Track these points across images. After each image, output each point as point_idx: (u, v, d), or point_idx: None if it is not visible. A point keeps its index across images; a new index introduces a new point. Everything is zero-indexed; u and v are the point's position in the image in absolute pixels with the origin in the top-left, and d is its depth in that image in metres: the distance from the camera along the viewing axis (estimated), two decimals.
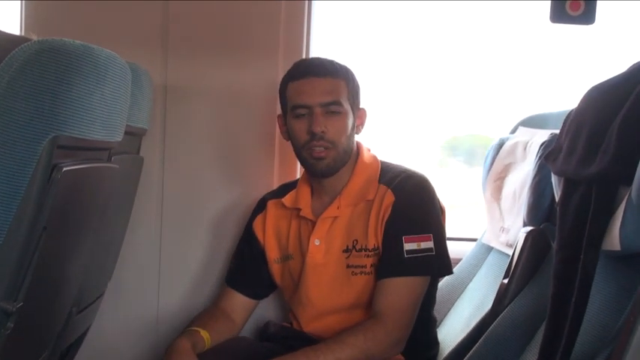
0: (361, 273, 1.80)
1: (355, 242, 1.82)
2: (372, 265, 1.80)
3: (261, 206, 2.01)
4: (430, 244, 1.76)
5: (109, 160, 1.58)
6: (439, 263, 1.79)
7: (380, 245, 1.79)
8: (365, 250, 1.81)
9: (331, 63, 1.85)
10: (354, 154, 1.87)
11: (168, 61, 2.18)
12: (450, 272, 1.84)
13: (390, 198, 1.79)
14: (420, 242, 1.75)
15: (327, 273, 1.84)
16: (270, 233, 1.96)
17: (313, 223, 1.88)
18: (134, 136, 1.93)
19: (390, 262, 1.76)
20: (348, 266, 1.82)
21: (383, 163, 1.91)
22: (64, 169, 1.21)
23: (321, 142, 1.78)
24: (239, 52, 2.17)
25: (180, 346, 1.73)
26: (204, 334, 1.81)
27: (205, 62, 2.18)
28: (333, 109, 1.78)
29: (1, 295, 1.18)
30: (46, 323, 1.49)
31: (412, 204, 1.79)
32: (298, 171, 2.23)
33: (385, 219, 1.78)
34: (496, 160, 2.06)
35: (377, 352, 1.70)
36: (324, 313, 1.84)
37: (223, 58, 2.18)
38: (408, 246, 1.75)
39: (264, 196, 2.03)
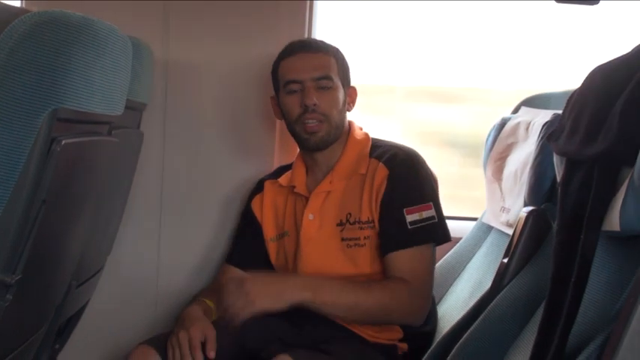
0: (355, 245, 1.83)
1: (349, 215, 1.85)
2: (365, 238, 1.82)
3: (258, 187, 2.04)
4: (432, 213, 1.80)
5: (109, 134, 1.58)
6: (442, 229, 1.83)
7: (375, 218, 1.81)
8: (359, 223, 1.83)
9: (321, 41, 1.92)
10: (345, 131, 1.91)
11: (169, 37, 2.17)
12: (450, 238, 1.87)
13: (383, 171, 1.82)
14: (421, 212, 1.79)
15: (321, 247, 1.87)
16: (267, 212, 1.99)
17: (307, 199, 1.90)
18: (134, 110, 1.92)
19: (395, 235, 1.79)
20: (342, 239, 1.84)
21: (373, 139, 1.94)
22: (64, 142, 1.21)
23: (314, 114, 1.82)
24: (241, 28, 2.16)
25: (194, 311, 1.77)
26: (210, 303, 1.85)
27: (207, 38, 2.17)
28: (324, 84, 1.83)
29: (0, 267, 1.18)
30: (45, 296, 1.49)
31: (407, 175, 1.82)
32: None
33: (381, 192, 1.81)
34: (498, 140, 2.05)
35: (397, 313, 1.76)
36: None
37: (225, 33, 2.17)
38: (410, 217, 1.78)
39: (261, 179, 2.06)
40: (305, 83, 1.82)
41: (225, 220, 2.21)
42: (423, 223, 1.78)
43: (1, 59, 1.12)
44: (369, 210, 1.82)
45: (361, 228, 1.83)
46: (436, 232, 1.81)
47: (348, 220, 1.85)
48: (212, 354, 1.67)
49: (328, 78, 1.84)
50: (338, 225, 1.86)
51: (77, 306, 1.92)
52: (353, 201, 1.85)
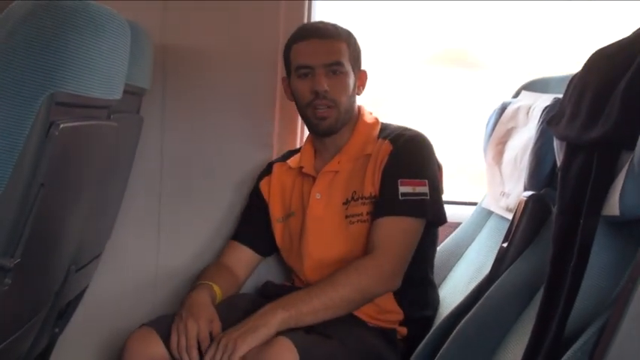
0: (358, 221, 1.85)
1: (354, 193, 1.87)
2: (368, 213, 1.84)
3: (267, 170, 2.07)
4: (425, 189, 1.81)
5: (108, 118, 1.57)
6: (433, 209, 1.83)
7: (377, 193, 1.83)
8: (362, 198, 1.85)
9: (334, 26, 1.91)
10: (354, 115, 1.93)
11: (167, 22, 2.16)
12: (445, 221, 1.89)
13: (387, 147, 1.85)
14: (415, 186, 1.81)
15: (326, 226, 1.89)
16: (275, 192, 2.02)
17: (314, 179, 1.93)
18: (134, 95, 1.91)
19: (384, 203, 1.81)
20: (346, 217, 1.86)
21: (383, 123, 1.97)
22: (62, 125, 1.20)
23: (324, 100, 1.84)
24: (240, 12, 2.15)
25: (203, 299, 1.77)
26: (216, 288, 1.86)
27: (205, 23, 2.16)
28: (334, 69, 1.85)
29: None
30: (43, 280, 1.49)
31: (409, 152, 1.85)
32: (298, 133, 2.23)
33: (382, 166, 1.83)
34: (498, 125, 2.04)
35: (370, 286, 1.75)
36: (323, 266, 1.87)
37: (224, 18, 2.16)
38: (403, 189, 1.80)
39: (270, 162, 2.08)
40: (316, 69, 1.84)
41: (224, 203, 2.21)
42: (414, 197, 1.80)
43: None
44: (371, 185, 1.84)
45: (364, 203, 1.85)
46: (426, 208, 1.81)
47: (352, 198, 1.87)
48: None
49: (339, 64, 1.85)
50: (344, 204, 1.88)
51: (77, 290, 1.92)
52: (358, 179, 1.87)
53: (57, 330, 1.91)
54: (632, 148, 1.03)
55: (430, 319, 1.89)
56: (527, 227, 1.60)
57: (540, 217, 1.60)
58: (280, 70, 2.10)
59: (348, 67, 1.87)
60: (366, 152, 1.89)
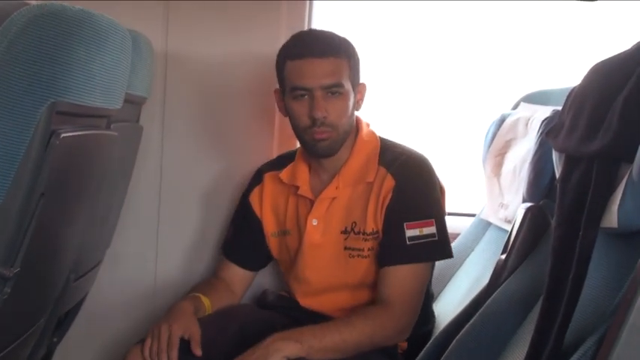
0: (359, 256, 1.79)
1: (354, 224, 1.80)
2: (369, 249, 1.79)
3: (257, 179, 1.98)
4: (432, 230, 1.74)
5: (108, 127, 1.57)
6: (441, 248, 1.78)
7: (380, 230, 1.77)
8: (363, 234, 1.79)
9: (332, 39, 1.79)
10: (353, 129, 1.84)
11: (169, 30, 2.16)
12: (451, 256, 1.82)
13: (390, 182, 1.77)
14: (422, 228, 1.74)
15: (324, 253, 1.84)
16: (267, 207, 1.95)
17: (311, 202, 1.86)
18: (134, 104, 1.92)
19: (392, 249, 1.75)
20: (345, 248, 1.81)
21: (382, 140, 1.87)
22: (63, 135, 1.20)
23: (322, 127, 1.73)
24: (241, 22, 2.15)
25: (183, 306, 1.74)
26: (205, 300, 1.82)
27: (207, 32, 2.17)
28: (334, 91, 1.73)
29: None
30: (43, 289, 1.49)
31: (413, 188, 1.77)
32: (297, 142, 2.22)
33: (386, 204, 1.76)
34: (497, 136, 2.05)
35: (382, 338, 1.71)
36: (320, 291, 1.85)
37: (225, 28, 2.16)
38: (410, 232, 1.73)
39: (260, 168, 2.00)
40: (314, 92, 1.72)
41: (224, 213, 2.20)
42: (422, 240, 1.73)
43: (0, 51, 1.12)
44: (373, 221, 1.78)
45: (365, 239, 1.79)
46: (435, 251, 1.77)
47: (352, 229, 1.80)
48: (198, 352, 1.65)
49: (339, 85, 1.73)
50: (342, 232, 1.82)
51: (76, 299, 1.92)
52: (359, 210, 1.80)
53: (55, 339, 1.91)
54: (630, 160, 1.04)
55: (429, 332, 1.88)
56: (525, 238, 1.60)
57: (539, 228, 1.60)
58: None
59: (348, 86, 1.75)
60: (367, 180, 1.80)
